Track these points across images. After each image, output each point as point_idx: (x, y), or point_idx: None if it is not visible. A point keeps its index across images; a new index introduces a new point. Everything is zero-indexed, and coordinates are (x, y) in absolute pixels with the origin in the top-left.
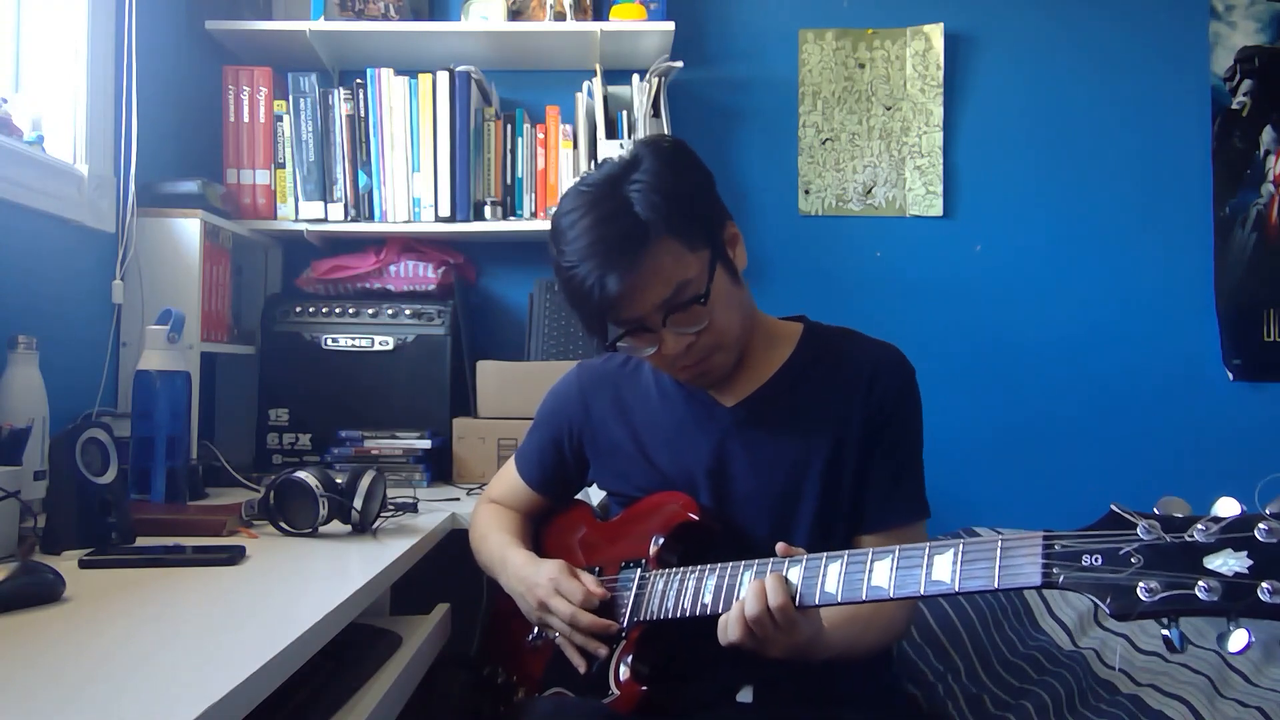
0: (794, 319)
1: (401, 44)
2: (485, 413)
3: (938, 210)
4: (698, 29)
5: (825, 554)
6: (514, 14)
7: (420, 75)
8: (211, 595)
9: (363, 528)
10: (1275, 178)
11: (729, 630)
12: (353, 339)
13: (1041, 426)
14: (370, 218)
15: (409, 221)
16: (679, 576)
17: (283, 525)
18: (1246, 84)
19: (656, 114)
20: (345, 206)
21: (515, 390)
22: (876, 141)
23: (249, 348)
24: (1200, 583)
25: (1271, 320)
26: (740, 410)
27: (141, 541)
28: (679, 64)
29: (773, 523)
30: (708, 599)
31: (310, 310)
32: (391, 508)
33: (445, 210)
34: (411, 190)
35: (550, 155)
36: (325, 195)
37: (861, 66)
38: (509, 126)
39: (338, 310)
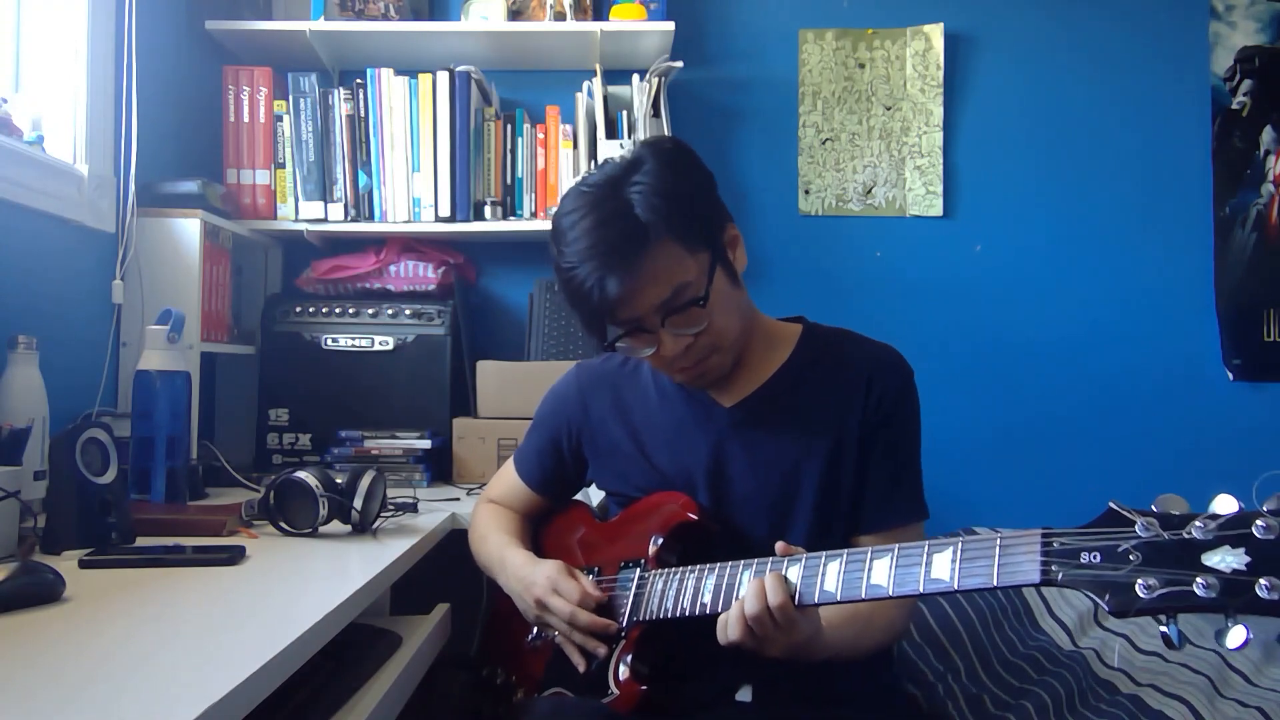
0: (793, 320)
1: (401, 44)
2: (485, 413)
3: (938, 210)
4: (698, 29)
5: (824, 553)
6: (514, 14)
7: (420, 75)
8: (211, 595)
9: (363, 528)
10: (1275, 178)
11: (729, 629)
12: (353, 339)
13: (1041, 426)
14: (370, 218)
15: (409, 221)
16: (678, 576)
17: (283, 525)
18: (1246, 84)
19: (656, 114)
20: (345, 206)
21: (515, 390)
22: (876, 141)
23: (249, 348)
24: (1198, 579)
25: (1271, 320)
26: (739, 411)
27: (141, 541)
28: (679, 64)
29: (771, 523)
30: (707, 598)
31: (310, 310)
32: (391, 508)
33: (445, 210)
34: (411, 190)
35: (550, 155)
36: (325, 195)
37: (861, 66)
38: (509, 126)
39: (338, 310)
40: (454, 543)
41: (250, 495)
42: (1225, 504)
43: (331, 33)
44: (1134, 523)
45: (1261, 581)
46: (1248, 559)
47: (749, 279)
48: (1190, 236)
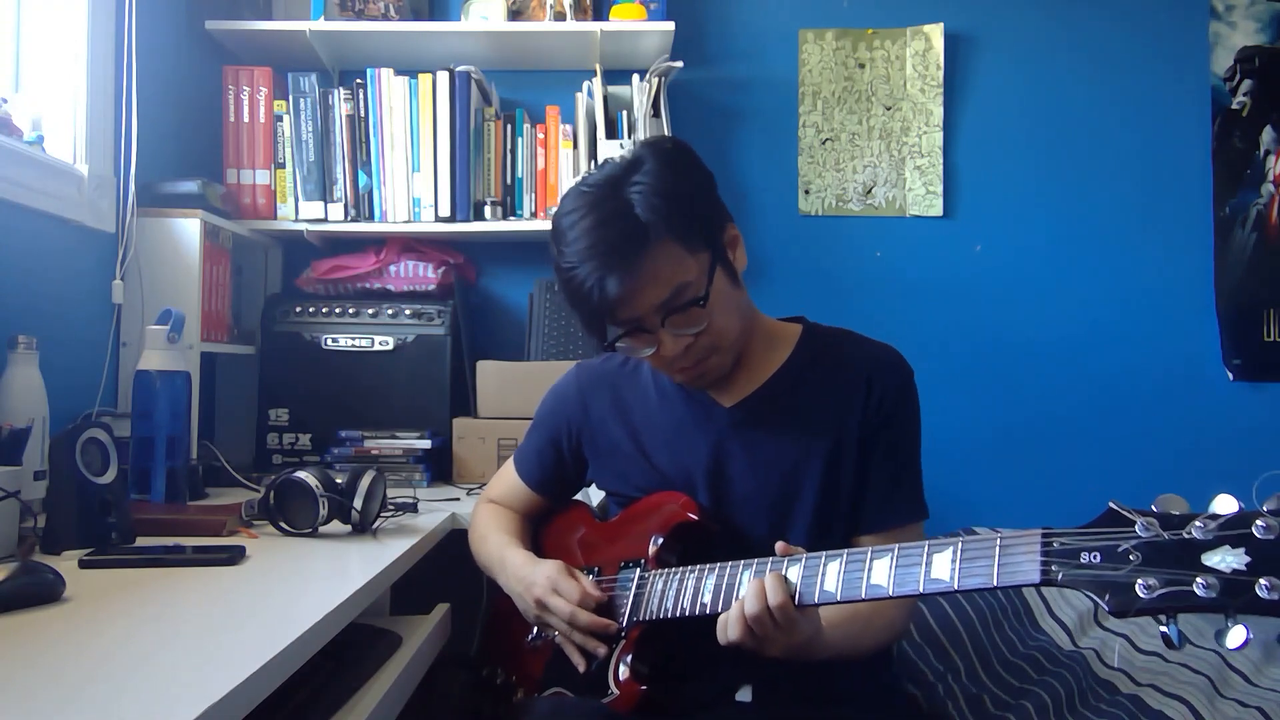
0: (792, 320)
1: (401, 44)
2: (485, 413)
3: (938, 210)
4: (698, 29)
5: (824, 553)
6: (514, 14)
7: (420, 75)
8: (211, 595)
9: (363, 528)
10: (1275, 178)
11: (729, 629)
12: (353, 339)
13: (1041, 426)
14: (370, 218)
15: (409, 221)
16: (678, 576)
17: (283, 525)
18: (1246, 84)
19: (656, 114)
20: (345, 206)
21: (515, 390)
22: (876, 141)
23: (249, 348)
24: (1198, 579)
25: (1271, 320)
26: (739, 411)
27: (141, 541)
28: (679, 64)
29: (771, 523)
30: (707, 598)
31: (310, 310)
32: (391, 508)
33: (445, 210)
34: (411, 190)
35: (550, 155)
36: (325, 195)
37: (861, 66)
38: (509, 126)
39: (338, 310)
40: (454, 543)
41: (250, 495)
42: (1225, 504)
43: (331, 33)
44: (1134, 523)
45: (1261, 581)
46: (1248, 559)
47: (749, 279)
48: (1190, 236)
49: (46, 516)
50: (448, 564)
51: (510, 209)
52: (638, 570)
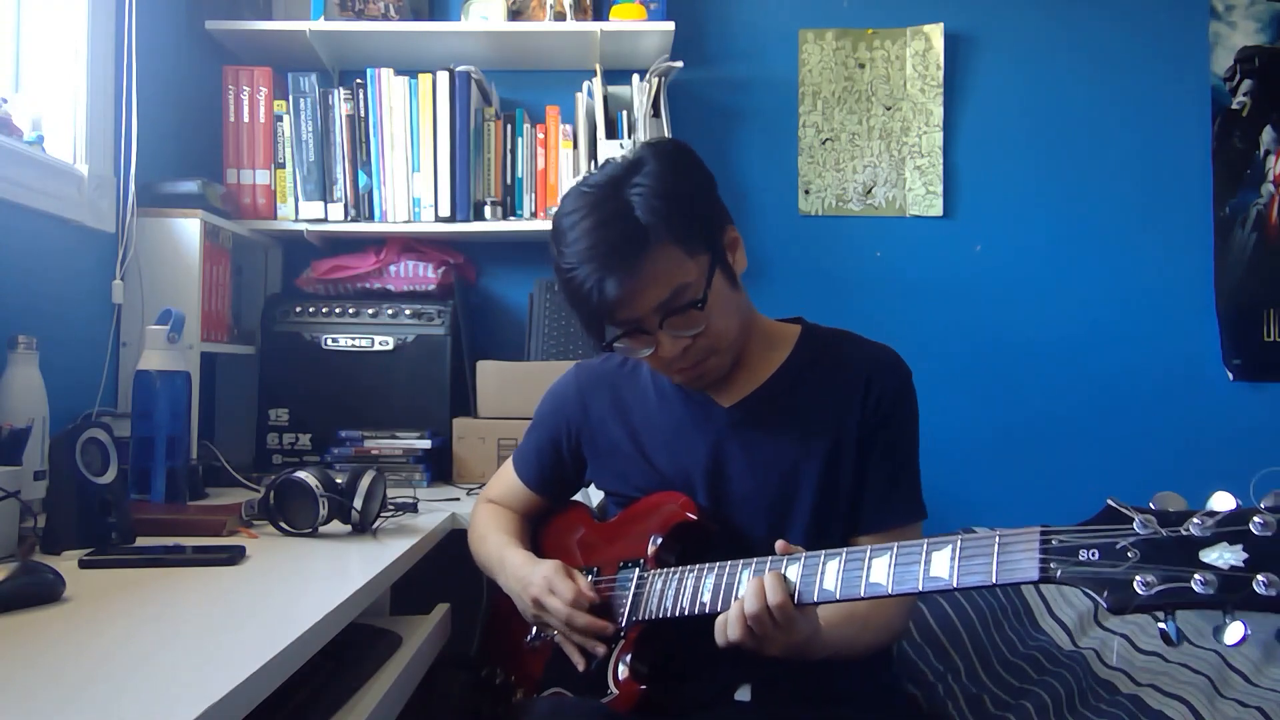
0: (791, 320)
1: (401, 44)
2: (485, 413)
3: (938, 210)
4: (698, 29)
5: (823, 552)
6: (514, 14)
7: (420, 75)
8: (211, 595)
9: (363, 528)
10: (1275, 178)
11: (729, 629)
12: (353, 339)
13: (1041, 426)
14: (370, 218)
15: (409, 221)
16: (677, 576)
17: (283, 525)
18: (1246, 84)
19: (656, 114)
20: (345, 206)
21: (515, 390)
22: (876, 141)
23: (249, 348)
24: (1196, 576)
25: (1271, 320)
26: (737, 411)
27: (141, 541)
28: (679, 64)
29: (770, 523)
30: (706, 598)
31: (310, 310)
32: (391, 508)
33: (445, 210)
34: (411, 190)
35: (550, 155)
36: (325, 195)
37: (861, 66)
38: (509, 126)
39: (338, 310)
40: (454, 543)
41: (250, 495)
42: (1223, 501)
43: (331, 33)
44: (1132, 520)
45: (1259, 578)
46: (1245, 555)
47: (749, 279)
48: (1190, 236)
49: (46, 516)
50: (448, 564)
51: (510, 209)
52: (637, 570)
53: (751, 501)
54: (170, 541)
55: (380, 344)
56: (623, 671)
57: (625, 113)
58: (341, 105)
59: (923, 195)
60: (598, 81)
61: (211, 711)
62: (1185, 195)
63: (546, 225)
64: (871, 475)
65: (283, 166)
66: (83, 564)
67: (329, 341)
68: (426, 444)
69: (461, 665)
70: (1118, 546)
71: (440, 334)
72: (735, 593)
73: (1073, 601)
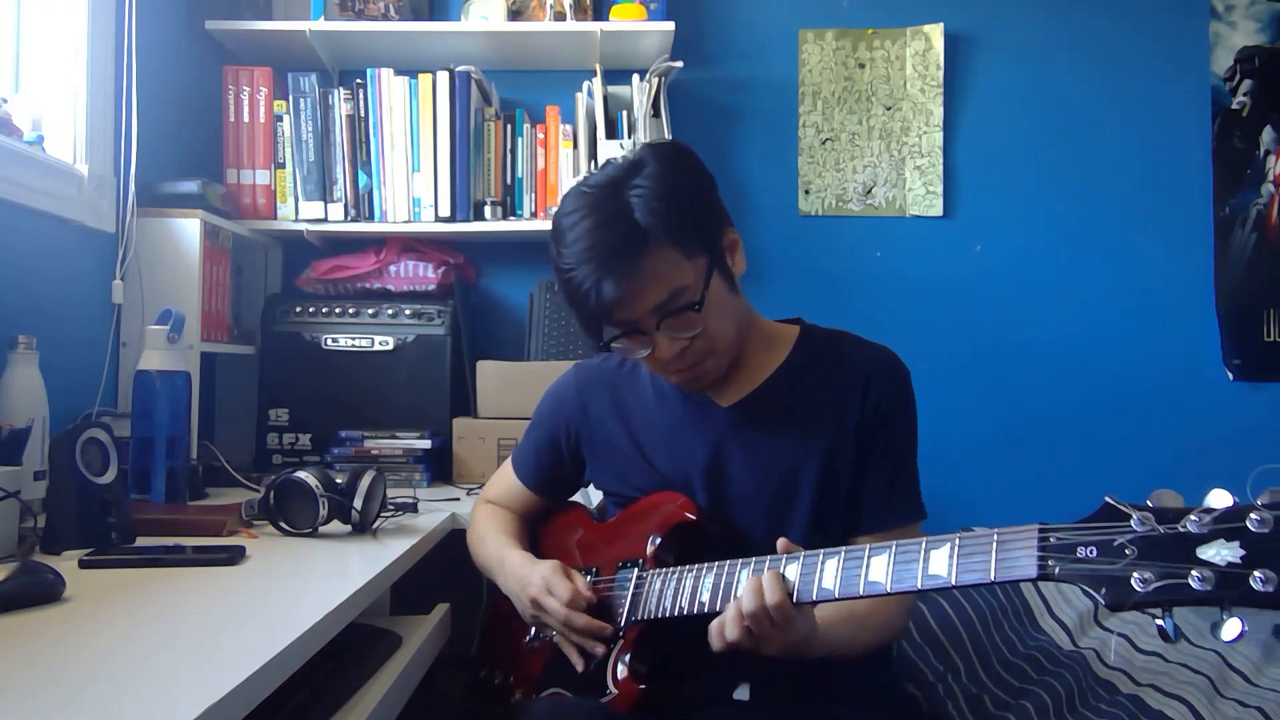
0: (790, 321)
1: (401, 44)
2: (485, 413)
3: (938, 210)
4: (698, 29)
5: (822, 550)
6: (514, 14)
7: (420, 75)
8: (211, 595)
9: (363, 528)
10: (1275, 178)
11: (726, 629)
12: (353, 339)
13: (1041, 426)
14: (370, 218)
15: (409, 221)
16: (676, 575)
17: (283, 525)
18: (1246, 84)
19: (656, 114)
20: (345, 206)
21: (515, 390)
22: (876, 141)
23: (249, 348)
24: (1194, 572)
25: (1271, 320)
26: (736, 411)
27: (141, 541)
28: (679, 64)
29: (768, 523)
30: (705, 597)
31: (310, 310)
32: (391, 508)
33: (445, 210)
34: (411, 190)
35: (550, 155)
36: (325, 195)
37: (861, 66)
38: (509, 126)
39: (338, 310)
40: (454, 543)
41: (250, 495)
42: (1220, 498)
43: (331, 33)
44: (1130, 517)
45: (1256, 574)
46: (1242, 552)
47: (749, 279)
48: (1190, 236)
49: (46, 516)
50: (448, 564)
51: (510, 209)
52: (635, 570)
53: (750, 501)
54: (170, 541)
55: (380, 344)
56: (621, 671)
57: (625, 113)
58: (341, 105)
59: (923, 195)
60: (598, 81)
61: (211, 711)
62: (1185, 195)
63: (546, 225)
64: (870, 476)
65: (283, 166)
66: (83, 564)
67: (329, 341)
68: (426, 444)
69: (461, 666)
70: (1115, 544)
71: (440, 334)
72: (734, 592)
73: (1073, 601)
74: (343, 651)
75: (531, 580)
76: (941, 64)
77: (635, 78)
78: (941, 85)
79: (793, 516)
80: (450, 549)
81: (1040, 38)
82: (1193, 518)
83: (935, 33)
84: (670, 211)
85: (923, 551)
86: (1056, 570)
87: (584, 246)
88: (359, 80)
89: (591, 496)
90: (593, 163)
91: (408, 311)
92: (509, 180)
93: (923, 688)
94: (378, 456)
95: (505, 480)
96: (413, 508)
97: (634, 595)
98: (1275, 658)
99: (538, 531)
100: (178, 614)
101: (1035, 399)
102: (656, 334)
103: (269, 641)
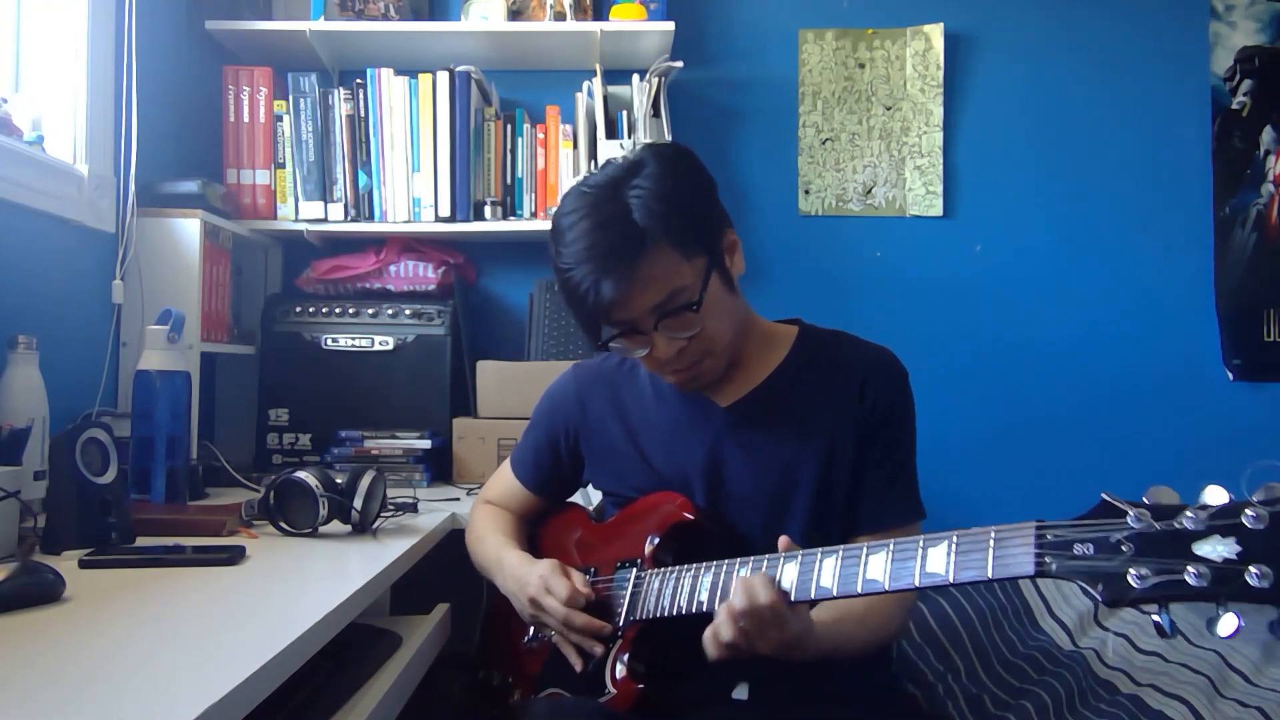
0: (788, 321)
1: (401, 44)
2: (485, 413)
3: (938, 210)
4: (698, 29)
5: (820, 549)
6: (514, 14)
7: (420, 75)
8: (211, 595)
9: (363, 528)
10: (1275, 178)
11: (721, 630)
12: (353, 339)
13: (1042, 426)
14: (370, 218)
15: (409, 221)
16: (674, 575)
17: (283, 525)
18: (1246, 84)
19: (656, 114)
20: (345, 206)
21: (515, 390)
22: (876, 141)
23: (249, 348)
24: (1190, 568)
25: (1271, 320)
26: (735, 411)
27: (141, 541)
28: (679, 64)
29: (767, 523)
30: (703, 596)
31: (310, 310)
32: (391, 508)
33: (445, 210)
34: (411, 190)
35: (550, 155)
36: (325, 195)
37: (861, 66)
38: (509, 126)
39: (338, 310)
40: (454, 543)
41: (250, 495)
42: (1216, 495)
43: (331, 33)
44: (1126, 514)
45: (1252, 569)
46: (1238, 548)
47: (749, 279)
48: (1190, 236)
49: (46, 516)
50: (448, 564)
51: (510, 209)
52: (634, 570)
53: (749, 501)
54: (170, 541)
55: (380, 344)
56: (620, 671)
57: (625, 113)
58: (341, 105)
59: (923, 195)
60: (598, 81)
61: (211, 711)
62: (1185, 195)
63: (546, 225)
64: (869, 476)
65: (283, 166)
66: (83, 564)
67: (329, 341)
68: (426, 444)
69: (460, 666)
70: (1112, 540)
71: (440, 334)
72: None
73: (1073, 601)
74: (343, 651)
75: (530, 580)
76: (941, 64)
77: (635, 78)
78: (941, 85)
79: (791, 516)
80: (450, 549)
81: (1040, 38)
82: (1189, 514)
83: (935, 33)
84: (669, 212)
85: (920, 549)
86: (1054, 567)
87: (583, 246)
88: (359, 80)
89: (591, 497)
90: (593, 163)
91: (408, 311)
92: (509, 180)
93: (923, 688)
94: (378, 456)
95: (504, 481)
96: (413, 508)
97: (632, 595)
98: (1275, 658)
99: (536, 532)
100: (178, 614)
101: (1035, 399)
102: (654, 334)
103: (269, 641)
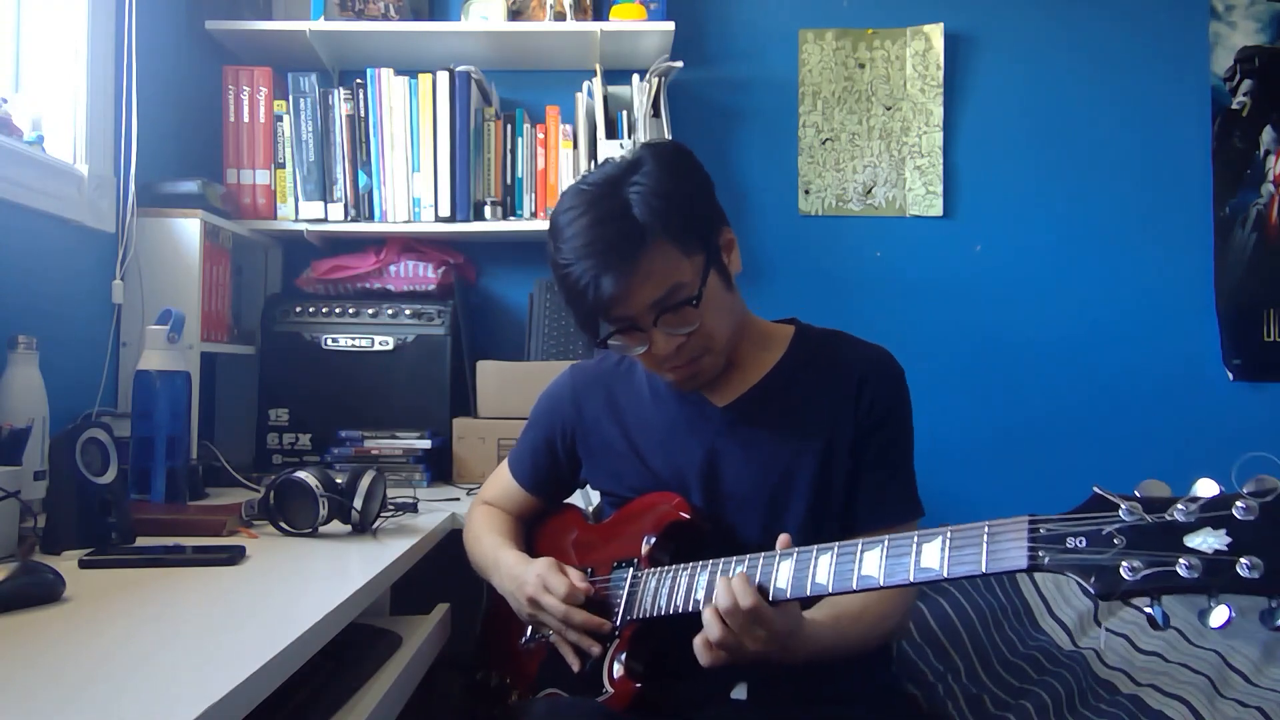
0: (785, 321)
1: (401, 44)
2: (485, 413)
3: (938, 210)
4: (698, 29)
5: (815, 546)
6: (514, 14)
7: (420, 75)
8: (211, 595)
9: (363, 528)
10: (1275, 178)
11: (707, 629)
12: (353, 339)
13: (1041, 426)
14: (370, 218)
15: (409, 221)
16: (671, 574)
17: (283, 525)
18: (1246, 84)
19: (656, 114)
20: (345, 206)
21: (515, 390)
22: (876, 141)
23: (249, 348)
24: (1181, 560)
25: (1271, 320)
26: (732, 411)
27: (141, 541)
28: (679, 64)
29: (764, 523)
30: (700, 595)
31: (310, 310)
32: (391, 508)
33: (445, 210)
34: (411, 190)
35: (550, 155)
36: (325, 195)
37: (861, 66)
38: (509, 126)
39: (338, 310)
40: (454, 543)
41: (250, 495)
42: (1206, 487)
43: (331, 33)
44: (1118, 507)
45: (1242, 561)
46: (1229, 540)
47: (749, 278)
48: (1190, 236)
49: (46, 516)
50: (448, 564)
51: (510, 209)
52: (631, 569)
53: (746, 501)
54: (170, 541)
55: (380, 344)
56: (618, 670)
57: (625, 113)
58: (341, 105)
59: (923, 195)
60: (598, 81)
61: (211, 711)
62: (1185, 195)
63: (546, 225)
64: (866, 475)
65: (283, 166)
66: (83, 564)
67: (329, 341)
68: (426, 444)
69: (459, 666)
70: (1104, 533)
71: (440, 334)
72: None
73: (1073, 601)
74: (343, 651)
75: (527, 579)
76: (941, 64)
77: (635, 78)
78: (941, 85)
79: (788, 516)
80: (450, 549)
81: (1040, 38)
82: (1180, 507)
83: (935, 33)
84: (669, 209)
85: (915, 545)
86: (1046, 560)
87: (583, 243)
88: (359, 80)
89: (591, 497)
90: (593, 163)
91: (408, 311)
92: (509, 180)
93: (923, 688)
94: (378, 456)
95: (502, 481)
96: (413, 508)
97: (629, 594)
98: (1275, 658)
99: (533, 533)
100: (178, 614)
101: (1035, 399)
102: (653, 330)
103: (269, 641)
